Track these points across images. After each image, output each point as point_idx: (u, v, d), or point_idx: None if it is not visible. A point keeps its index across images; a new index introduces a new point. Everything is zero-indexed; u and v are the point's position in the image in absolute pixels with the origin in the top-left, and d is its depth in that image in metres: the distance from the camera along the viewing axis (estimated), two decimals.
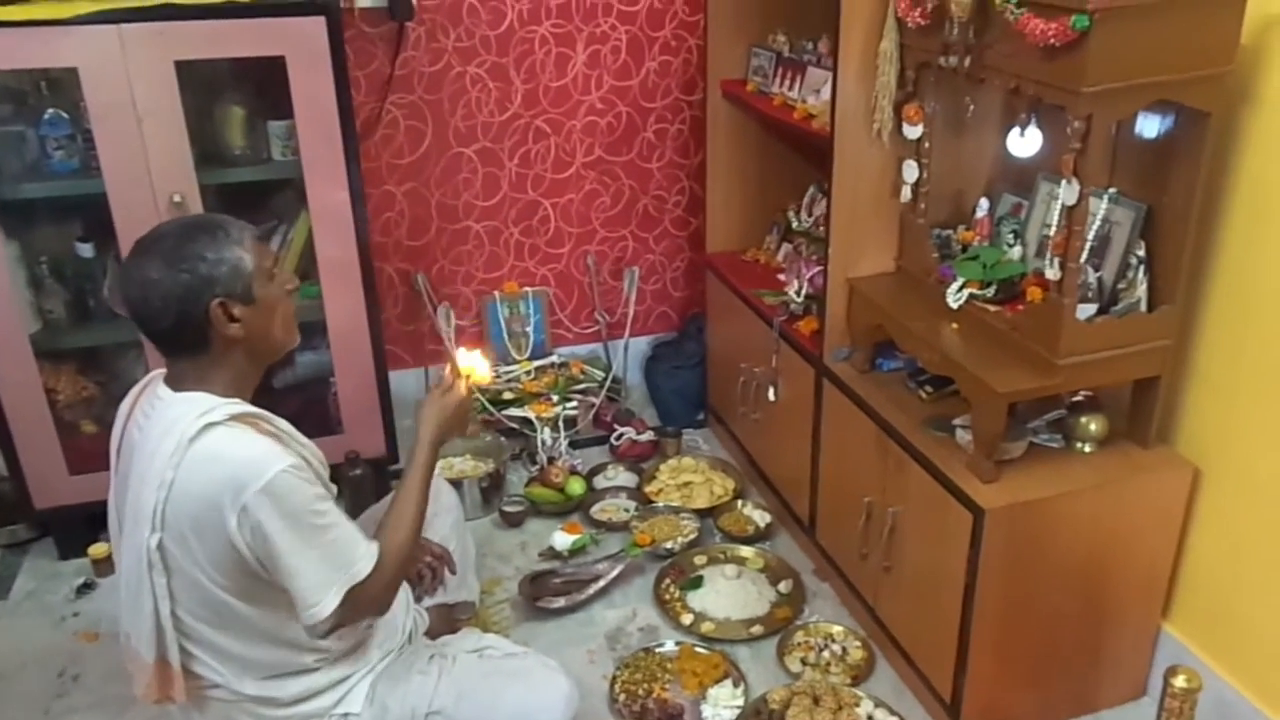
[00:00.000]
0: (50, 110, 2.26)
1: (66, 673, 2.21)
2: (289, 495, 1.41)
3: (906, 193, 2.11)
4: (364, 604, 1.54)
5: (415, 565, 1.80)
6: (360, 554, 1.50)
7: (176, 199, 2.25)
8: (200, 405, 1.44)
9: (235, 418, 1.44)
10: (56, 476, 2.44)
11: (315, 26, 2.20)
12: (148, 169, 2.22)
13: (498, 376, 2.98)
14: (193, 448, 1.40)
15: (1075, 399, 1.96)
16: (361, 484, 2.55)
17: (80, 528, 2.52)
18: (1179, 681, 1.68)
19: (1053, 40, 1.56)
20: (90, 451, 2.40)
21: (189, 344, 1.48)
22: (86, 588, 2.46)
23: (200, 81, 2.32)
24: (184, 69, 2.18)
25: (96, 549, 2.47)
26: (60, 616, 2.38)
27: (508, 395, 2.96)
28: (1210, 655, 1.93)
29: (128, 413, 1.59)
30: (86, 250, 2.43)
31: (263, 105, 2.39)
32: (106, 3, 2.11)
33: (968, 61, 1.81)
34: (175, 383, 1.51)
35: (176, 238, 1.47)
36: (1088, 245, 1.83)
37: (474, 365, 1.79)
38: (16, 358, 2.31)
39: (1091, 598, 1.93)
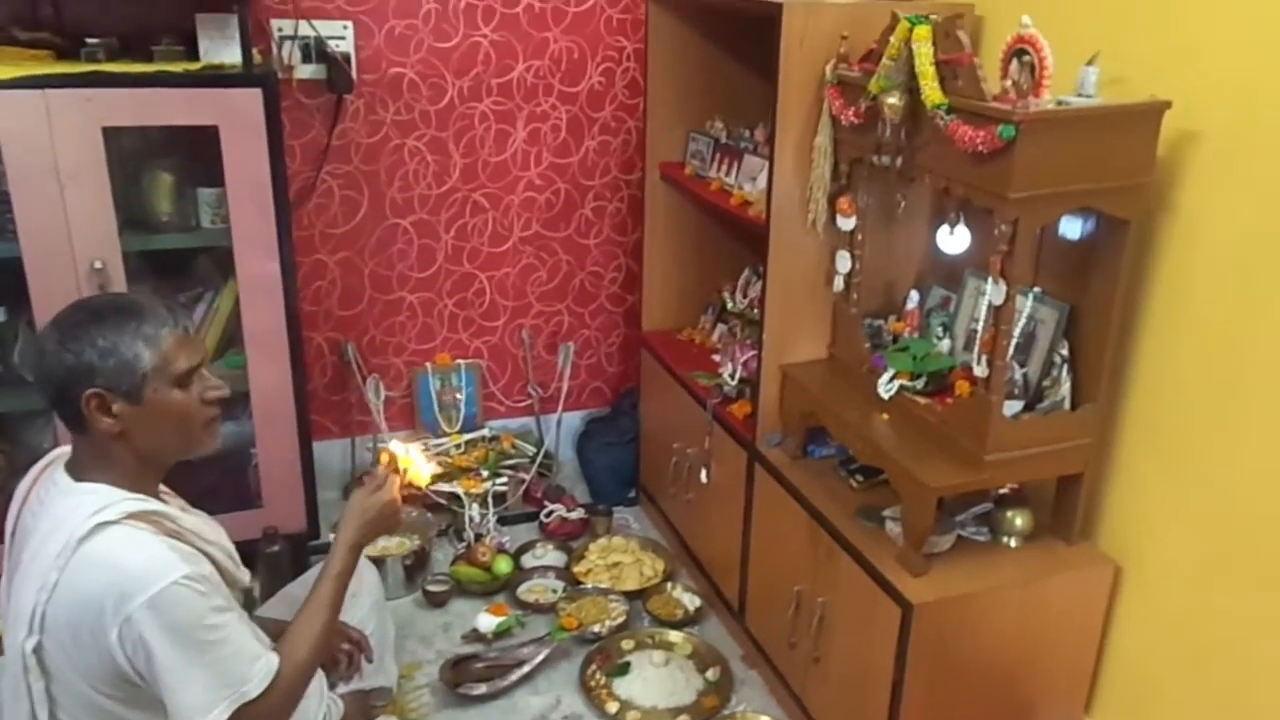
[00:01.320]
0: None
1: None
2: (178, 609, 1.32)
3: (839, 282, 2.15)
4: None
5: (309, 683, 1.62)
6: (254, 671, 1.41)
7: (97, 265, 2.17)
8: (95, 501, 1.36)
9: (133, 516, 1.37)
10: None
11: (251, 98, 2.17)
12: (68, 234, 2.15)
13: (432, 477, 2.85)
14: (81, 549, 1.32)
15: (1002, 492, 1.99)
16: (279, 561, 2.45)
17: None
18: None
19: (981, 147, 1.61)
20: None
21: (71, 424, 1.42)
22: None
23: (129, 147, 2.27)
24: (112, 135, 2.13)
25: None
26: None
27: (436, 469, 2.89)
28: None
29: (24, 495, 1.51)
30: None
31: (193, 172, 2.34)
32: (32, 68, 2.05)
33: (899, 161, 1.86)
34: (75, 467, 1.44)
35: (85, 315, 1.41)
36: (1013, 343, 1.87)
37: (413, 461, 1.68)
38: None
39: (1016, 692, 1.93)
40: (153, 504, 1.43)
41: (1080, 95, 1.68)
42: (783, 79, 2.04)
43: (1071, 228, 1.87)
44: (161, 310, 1.44)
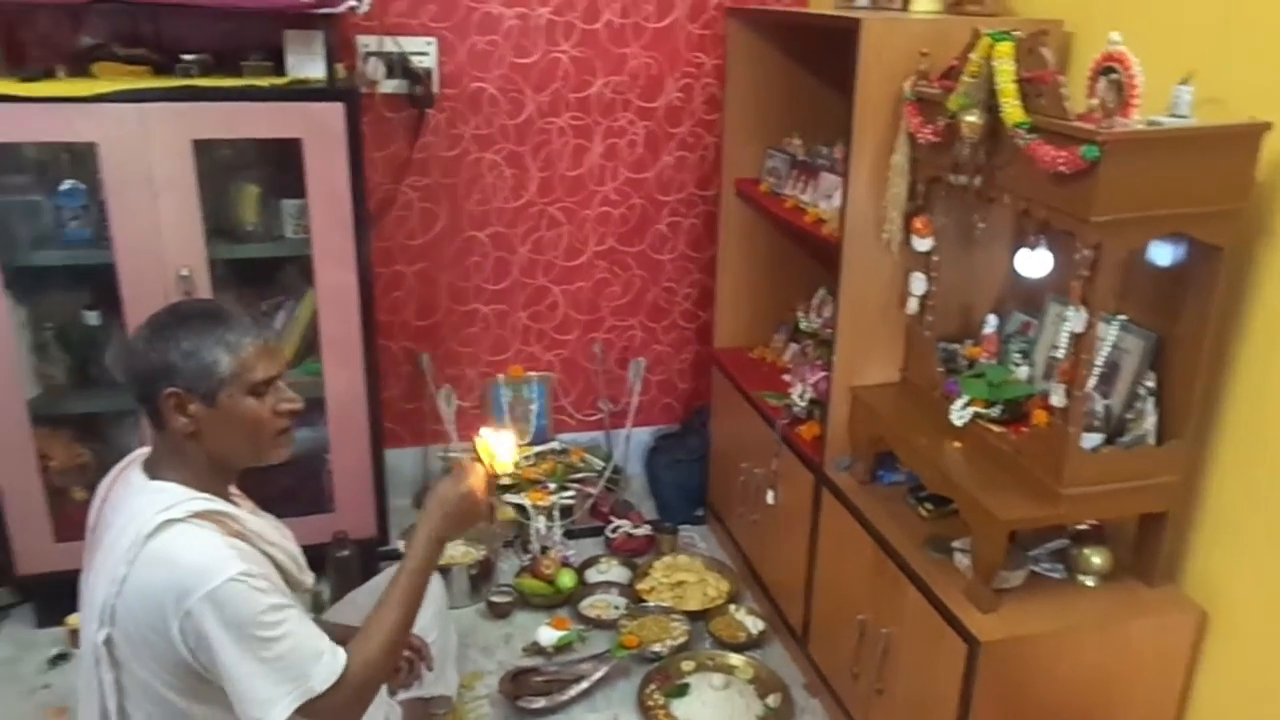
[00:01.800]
0: (68, 181, 2.29)
1: None
2: (234, 604, 1.35)
3: (914, 304, 2.09)
4: (328, 715, 1.46)
5: (390, 675, 1.66)
6: (320, 666, 1.42)
7: (184, 273, 2.25)
8: (164, 500, 1.40)
9: (198, 515, 1.40)
10: (42, 543, 2.41)
11: (333, 112, 2.23)
12: (158, 242, 2.23)
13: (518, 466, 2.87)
14: (147, 545, 1.36)
15: (1080, 528, 1.90)
16: (348, 565, 2.50)
17: (63, 596, 2.41)
18: None
19: (1062, 168, 1.55)
20: (79, 519, 2.31)
21: (152, 420, 1.47)
22: (61, 658, 2.41)
23: (217, 159, 2.35)
24: (202, 147, 2.21)
25: (74, 618, 2.42)
26: (30, 688, 2.33)
27: (505, 481, 2.91)
28: None
29: (105, 492, 1.57)
30: (93, 318, 2.44)
31: (278, 184, 2.41)
32: (129, 82, 2.14)
33: (978, 180, 1.80)
34: (152, 466, 1.49)
35: (174, 317, 1.46)
36: (1096, 372, 1.79)
37: (495, 450, 1.64)
38: (11, 423, 2.30)
39: None
40: (219, 504, 1.46)
41: (1173, 115, 1.60)
42: (859, 95, 2.00)
43: (1161, 254, 1.78)
44: (246, 320, 1.48)
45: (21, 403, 2.30)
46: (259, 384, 1.46)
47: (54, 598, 2.47)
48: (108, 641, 1.40)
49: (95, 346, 2.46)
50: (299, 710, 1.40)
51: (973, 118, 1.74)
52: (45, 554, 2.41)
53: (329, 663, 1.43)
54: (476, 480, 1.61)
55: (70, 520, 2.40)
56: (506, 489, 2.89)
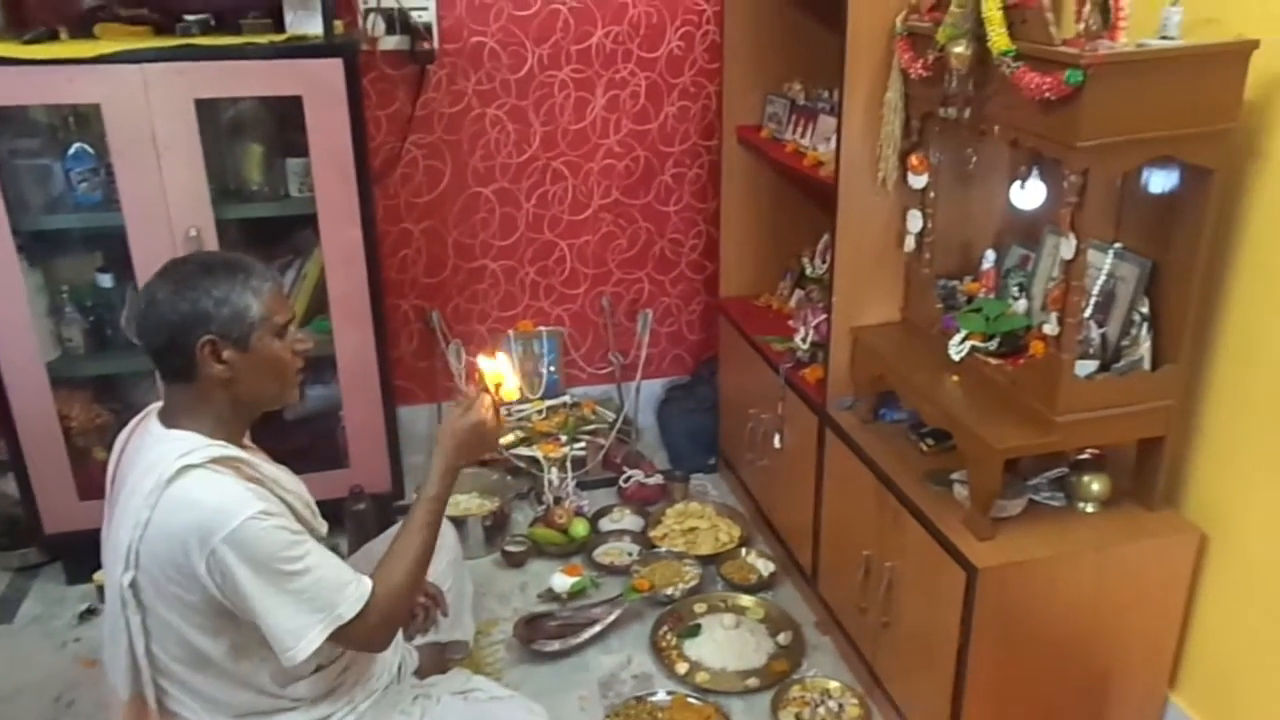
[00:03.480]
0: (76, 144, 2.32)
1: (63, 698, 2.22)
2: (256, 542, 1.39)
3: (911, 242, 2.10)
4: (358, 642, 1.53)
5: (415, 602, 1.71)
6: (346, 595, 1.47)
7: (192, 233, 2.29)
8: (182, 446, 1.44)
9: (216, 460, 1.44)
10: (67, 502, 2.47)
11: (332, 68, 2.24)
12: (165, 203, 2.27)
13: (522, 401, 2.82)
14: (168, 489, 1.40)
15: (1081, 457, 1.91)
16: (364, 519, 2.55)
17: (89, 553, 2.45)
18: None
19: (1048, 94, 1.55)
20: (101, 478, 2.34)
21: (177, 371, 1.49)
22: (90, 613, 2.48)
23: (221, 119, 2.38)
24: (204, 106, 2.24)
25: (101, 575, 2.49)
26: (62, 641, 2.41)
27: (516, 434, 2.96)
28: None
29: (122, 445, 1.60)
30: (106, 280, 2.48)
31: (281, 143, 2.43)
32: (131, 42, 2.17)
33: (967, 113, 1.80)
34: (168, 417, 1.52)
35: (197, 267, 1.49)
36: (1091, 301, 1.80)
37: (501, 375, 1.66)
38: (33, 385, 2.36)
39: (1093, 664, 1.86)
40: (234, 450, 1.50)
41: (1161, 37, 1.59)
42: (851, 33, 2.00)
43: (1158, 180, 1.78)
44: (261, 266, 1.53)
45: (41, 365, 2.36)
46: (282, 327, 1.52)
47: (81, 555, 2.54)
48: (133, 585, 1.44)
49: (110, 309, 2.51)
50: (331, 638, 1.45)
51: (960, 48, 1.73)
52: (70, 513, 2.48)
53: (354, 590, 1.48)
54: (485, 409, 1.63)
55: (93, 480, 2.47)
56: (517, 442, 2.93)
